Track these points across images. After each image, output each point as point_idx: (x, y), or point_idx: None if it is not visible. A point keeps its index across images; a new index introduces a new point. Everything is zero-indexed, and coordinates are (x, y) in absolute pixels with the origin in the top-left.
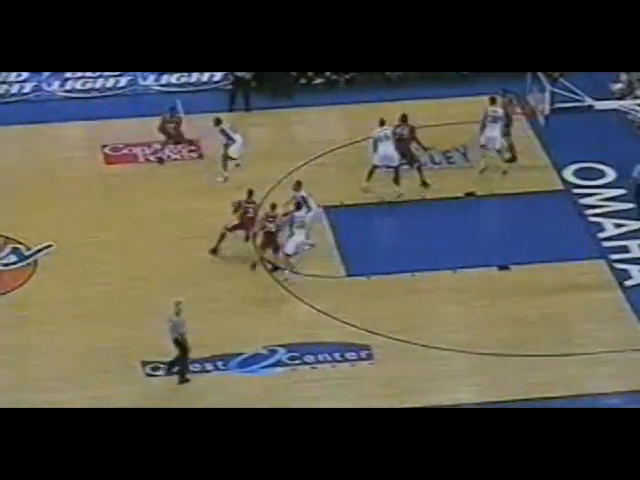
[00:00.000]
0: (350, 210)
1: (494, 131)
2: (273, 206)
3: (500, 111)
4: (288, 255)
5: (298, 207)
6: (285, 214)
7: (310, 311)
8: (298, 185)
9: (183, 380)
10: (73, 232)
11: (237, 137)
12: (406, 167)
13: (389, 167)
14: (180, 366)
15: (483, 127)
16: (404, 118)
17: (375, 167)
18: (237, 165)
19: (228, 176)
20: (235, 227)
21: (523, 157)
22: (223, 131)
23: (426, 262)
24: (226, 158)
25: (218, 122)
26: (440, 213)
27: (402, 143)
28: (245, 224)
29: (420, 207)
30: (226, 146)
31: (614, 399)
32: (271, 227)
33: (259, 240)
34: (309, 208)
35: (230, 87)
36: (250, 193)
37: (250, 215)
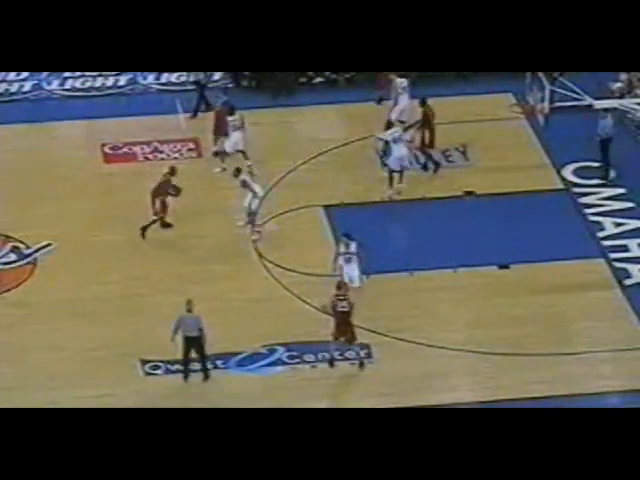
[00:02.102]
0: (349, 209)
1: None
2: (339, 286)
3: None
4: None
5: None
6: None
7: (309, 310)
8: (237, 171)
9: (207, 377)
10: (72, 231)
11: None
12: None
13: (404, 169)
14: (203, 362)
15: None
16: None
17: (392, 172)
18: (224, 169)
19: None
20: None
21: (523, 156)
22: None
23: (426, 261)
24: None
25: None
26: (440, 212)
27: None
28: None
29: (420, 206)
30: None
31: (613, 398)
32: (344, 306)
33: (334, 322)
34: (254, 192)
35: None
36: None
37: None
